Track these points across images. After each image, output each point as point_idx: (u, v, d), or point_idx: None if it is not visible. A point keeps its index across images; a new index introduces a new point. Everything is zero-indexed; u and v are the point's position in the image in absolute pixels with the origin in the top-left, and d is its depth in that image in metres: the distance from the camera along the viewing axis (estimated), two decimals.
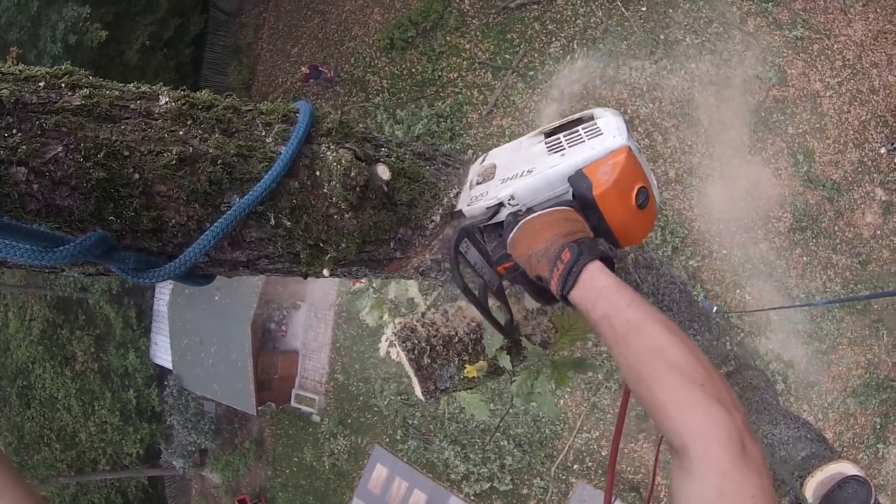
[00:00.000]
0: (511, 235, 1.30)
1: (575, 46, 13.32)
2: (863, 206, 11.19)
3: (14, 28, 12.64)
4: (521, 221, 1.28)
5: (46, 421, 20.14)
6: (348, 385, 15.92)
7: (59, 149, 0.89)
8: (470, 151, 13.67)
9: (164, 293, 17.61)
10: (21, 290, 19.75)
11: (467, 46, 14.67)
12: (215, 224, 1.04)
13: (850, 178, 11.26)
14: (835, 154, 11.38)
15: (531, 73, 13.72)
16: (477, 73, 14.49)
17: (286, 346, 17.10)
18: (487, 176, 1.43)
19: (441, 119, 14.44)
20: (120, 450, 19.56)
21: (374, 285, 3.02)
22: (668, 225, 11.86)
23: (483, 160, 1.53)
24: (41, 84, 0.95)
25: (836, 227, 11.25)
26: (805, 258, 11.30)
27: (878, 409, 10.88)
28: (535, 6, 13.87)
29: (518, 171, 1.33)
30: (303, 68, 16.02)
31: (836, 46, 11.64)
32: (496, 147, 1.54)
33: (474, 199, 1.41)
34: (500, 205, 1.34)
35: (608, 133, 1.25)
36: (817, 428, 3.87)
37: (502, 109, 14.02)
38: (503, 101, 14.01)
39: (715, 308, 10.58)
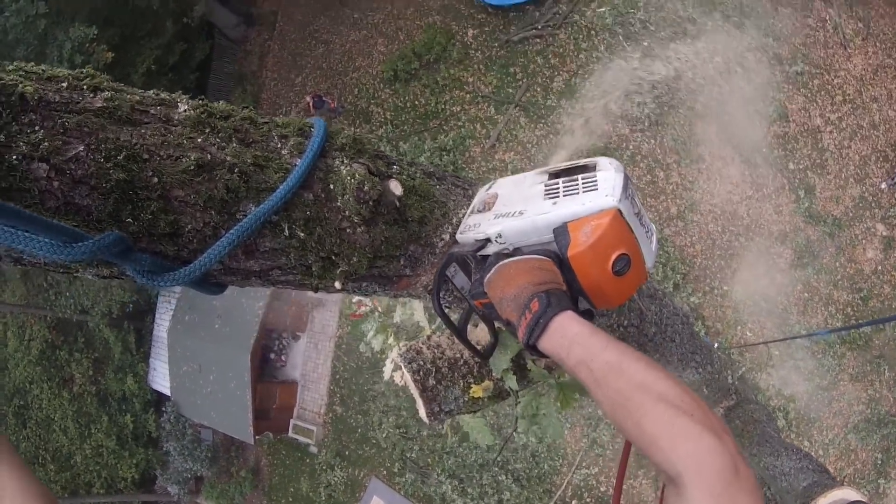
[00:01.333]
0: (488, 276, 1.31)
1: (577, 81, 13.46)
2: (864, 241, 11.22)
3: (21, 46, 12.72)
4: (499, 264, 1.29)
5: (42, 441, 20.03)
6: (347, 417, 15.80)
7: (81, 148, 0.89)
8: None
9: (164, 319, 17.59)
10: (21, 309, 19.76)
11: (470, 80, 14.81)
12: (231, 231, 1.05)
13: (850, 214, 11.31)
14: (836, 190, 11.44)
15: (534, 107, 13.84)
16: (480, 106, 14.60)
17: (285, 377, 17.01)
18: (488, 205, 1.44)
19: (444, 152, 14.50)
20: (115, 474, 19.38)
21: (380, 309, 3.02)
22: (670, 261, 11.87)
23: (490, 187, 1.53)
24: (64, 84, 0.96)
25: (837, 263, 11.27)
26: (806, 294, 11.29)
27: (880, 445, 10.79)
28: (538, 40, 14.04)
29: (511, 210, 1.34)
30: (306, 97, 16.09)
31: (836, 81, 11.77)
32: (504, 176, 1.55)
33: (467, 229, 1.42)
34: (488, 240, 1.35)
35: (602, 190, 1.24)
36: (818, 460, 3.85)
37: (505, 144, 14.11)
38: (506, 136, 14.10)
39: (716, 344, 10.56)
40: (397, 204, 1.34)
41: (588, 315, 1.23)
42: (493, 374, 2.02)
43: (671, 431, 0.92)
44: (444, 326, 2.57)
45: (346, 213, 1.23)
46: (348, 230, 1.25)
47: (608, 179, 1.25)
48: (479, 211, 1.45)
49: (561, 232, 1.24)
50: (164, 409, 18.53)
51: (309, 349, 16.70)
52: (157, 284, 0.99)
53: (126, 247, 0.91)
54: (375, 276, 1.44)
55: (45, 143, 0.86)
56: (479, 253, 1.38)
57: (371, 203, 1.24)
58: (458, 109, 14.79)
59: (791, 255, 11.41)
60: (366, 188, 1.23)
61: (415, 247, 1.45)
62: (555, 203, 1.27)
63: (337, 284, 1.31)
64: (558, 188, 1.31)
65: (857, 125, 11.53)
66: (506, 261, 1.28)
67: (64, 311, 19.31)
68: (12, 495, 1.03)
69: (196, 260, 1.02)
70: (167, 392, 17.95)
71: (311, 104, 15.65)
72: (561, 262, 1.24)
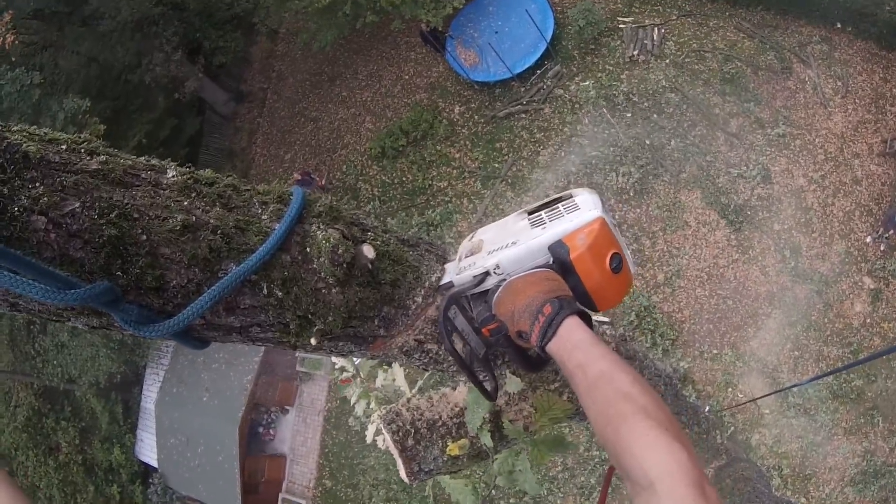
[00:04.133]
0: (496, 296, 1.41)
1: (562, 154, 13.71)
2: (851, 295, 11.28)
3: (15, 115, 12.78)
4: (506, 282, 1.40)
5: None
6: (336, 491, 15.46)
7: (77, 205, 0.98)
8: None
9: (151, 391, 17.40)
10: (8, 375, 19.47)
11: (457, 156, 15.04)
12: (212, 288, 1.12)
13: (837, 270, 11.42)
14: (821, 247, 11.57)
15: (520, 181, 14.02)
16: (466, 181, 14.77)
17: (274, 450, 16.77)
18: (475, 250, 1.54)
19: (431, 228, 14.59)
20: None
21: (362, 376, 3.07)
22: (658, 328, 11.87)
23: (472, 237, 1.63)
24: (63, 147, 1.06)
25: (825, 319, 11.29)
26: (796, 352, 11.27)
27: (878, 496, 10.56)
28: (524, 115, 14.35)
29: (503, 244, 1.45)
30: (295, 175, 16.20)
31: (817, 140, 12.03)
32: (484, 226, 1.67)
33: (463, 269, 1.52)
34: (487, 273, 1.45)
35: (585, 207, 1.39)
36: None
37: (491, 218, 14.10)
38: (492, 210, 14.20)
39: (707, 408, 10.50)
40: (370, 267, 1.42)
41: (587, 321, 1.32)
42: (470, 431, 2.07)
43: (646, 441, 0.98)
44: (423, 390, 2.64)
45: (322, 274, 1.31)
46: (323, 290, 1.33)
47: (587, 200, 1.42)
48: (468, 256, 1.55)
49: (557, 246, 1.37)
50: (151, 480, 18.10)
51: (298, 423, 16.50)
52: (144, 334, 1.06)
53: (115, 297, 0.99)
54: (351, 336, 1.51)
55: (45, 198, 0.94)
56: (477, 289, 1.48)
57: (345, 265, 1.32)
58: (445, 185, 14.96)
59: (779, 314, 11.45)
60: (340, 251, 1.31)
61: (388, 308, 1.53)
62: (544, 228, 1.41)
63: (313, 341, 1.38)
64: (542, 217, 1.44)
65: (839, 182, 11.74)
66: (512, 278, 1.40)
67: (51, 380, 19.00)
68: None
69: (180, 313, 1.10)
70: (154, 464, 17.64)
71: (299, 181, 15.79)
72: (563, 271, 1.36)
